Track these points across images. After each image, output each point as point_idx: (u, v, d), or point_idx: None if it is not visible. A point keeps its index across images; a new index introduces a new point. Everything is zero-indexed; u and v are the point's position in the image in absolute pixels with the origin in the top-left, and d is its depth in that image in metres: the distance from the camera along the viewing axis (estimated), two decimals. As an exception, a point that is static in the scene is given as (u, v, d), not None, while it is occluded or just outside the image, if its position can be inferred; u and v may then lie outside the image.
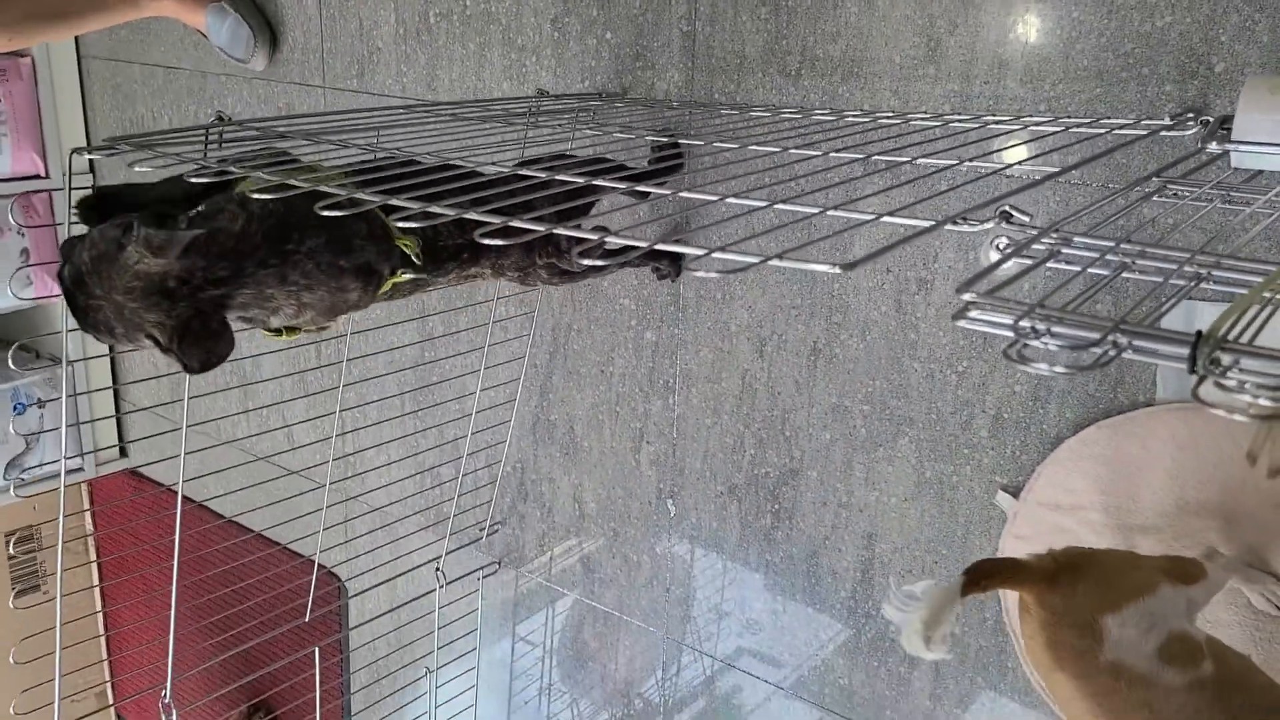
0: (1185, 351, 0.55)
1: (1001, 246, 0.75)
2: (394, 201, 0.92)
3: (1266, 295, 0.62)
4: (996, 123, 1.44)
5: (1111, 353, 0.58)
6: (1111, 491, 1.56)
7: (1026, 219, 0.75)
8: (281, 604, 2.70)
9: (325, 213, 0.89)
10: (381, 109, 1.49)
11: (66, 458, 1.73)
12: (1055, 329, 0.59)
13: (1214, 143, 0.87)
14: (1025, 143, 1.54)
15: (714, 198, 0.87)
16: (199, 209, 1.24)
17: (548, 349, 2.25)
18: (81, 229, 1.22)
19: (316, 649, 2.11)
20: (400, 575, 2.44)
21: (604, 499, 2.25)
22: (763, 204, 0.84)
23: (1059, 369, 0.57)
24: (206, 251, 1.17)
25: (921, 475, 1.78)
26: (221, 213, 1.22)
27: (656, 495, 2.16)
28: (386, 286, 1.41)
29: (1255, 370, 0.54)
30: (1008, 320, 0.59)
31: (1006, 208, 0.77)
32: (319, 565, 2.22)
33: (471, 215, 0.84)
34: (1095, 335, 0.58)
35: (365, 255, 1.33)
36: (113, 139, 1.22)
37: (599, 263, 0.88)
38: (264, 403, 2.77)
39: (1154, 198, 0.94)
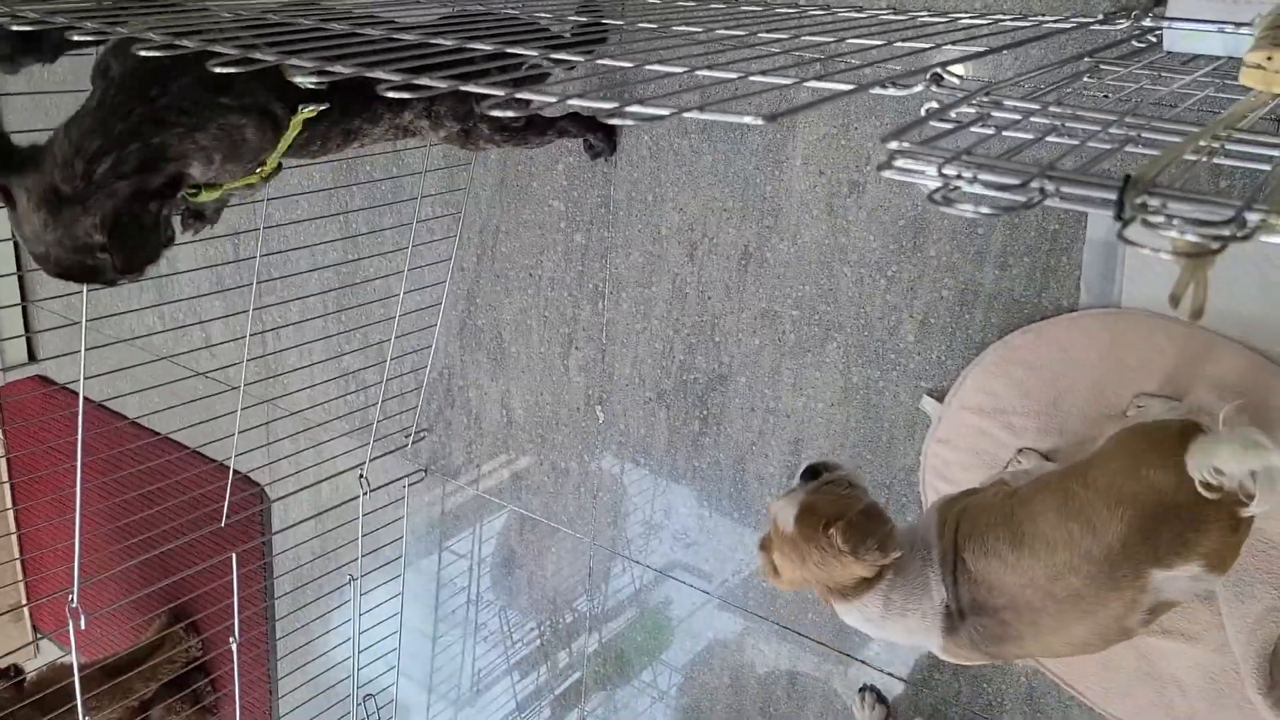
0: (1113, 196, 0.53)
1: (931, 110, 0.72)
2: (292, 62, 0.86)
3: (1203, 144, 0.60)
4: (928, 19, 1.41)
5: (1038, 197, 0.55)
6: (1034, 395, 1.57)
7: (958, 80, 0.72)
8: (197, 508, 2.64)
9: (219, 69, 0.84)
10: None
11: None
12: (982, 175, 0.57)
13: (1148, 18, 0.85)
14: (958, 42, 1.51)
15: (629, 63, 0.83)
16: None
17: (475, 251, 2.20)
18: None
19: (234, 555, 2.07)
20: (323, 481, 2.40)
21: (532, 406, 2.22)
22: (682, 70, 0.81)
23: (984, 209, 0.55)
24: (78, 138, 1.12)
25: (849, 381, 1.77)
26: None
27: (585, 402, 2.14)
28: (296, 124, 1.34)
29: (1180, 211, 0.52)
30: (933, 168, 0.57)
31: (938, 70, 0.74)
32: (234, 471, 2.17)
33: (377, 74, 0.79)
34: (1020, 181, 0.55)
35: (252, 94, 1.26)
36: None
37: (512, 113, 0.82)
38: (176, 298, 2.68)
39: (1086, 78, 0.92)
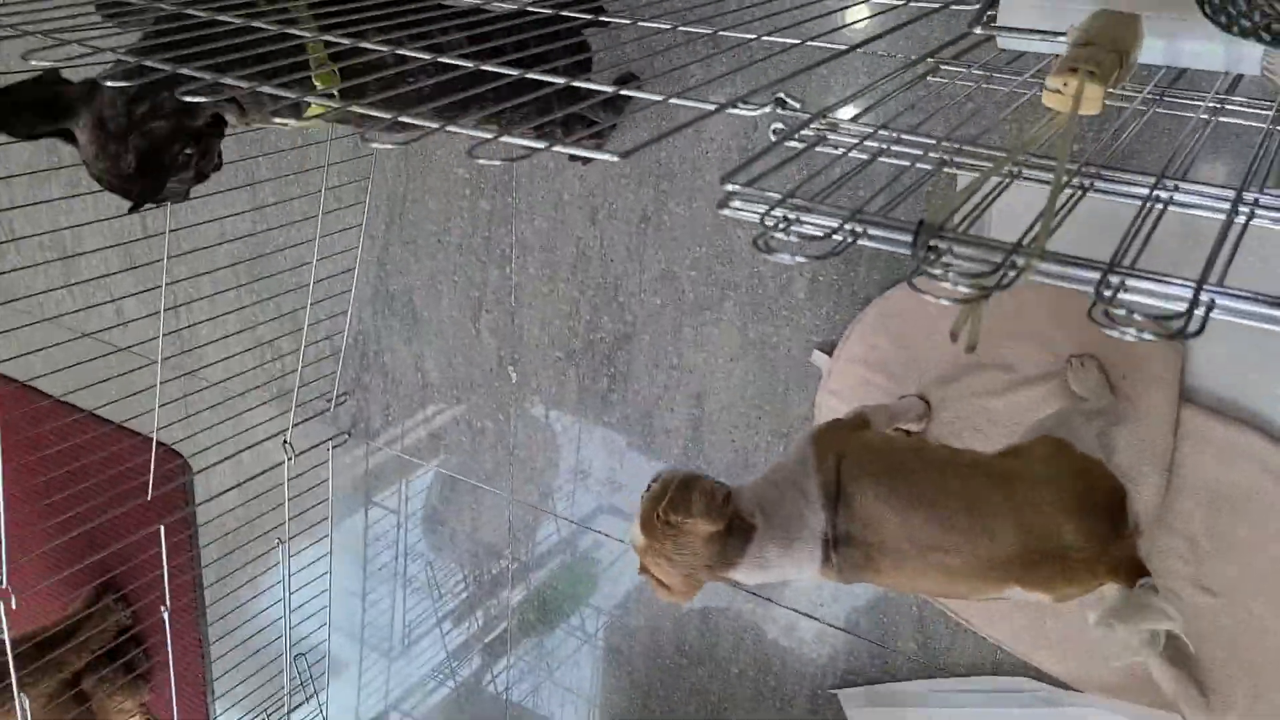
0: (909, 239, 0.62)
1: (777, 131, 0.79)
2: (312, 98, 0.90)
3: (996, 179, 0.69)
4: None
5: (849, 240, 0.64)
6: (910, 346, 1.68)
7: (798, 105, 0.80)
8: (122, 483, 2.66)
9: (187, 98, 0.88)
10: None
11: None
12: (803, 217, 0.65)
13: (979, 27, 0.94)
14: (822, 15, 1.58)
15: (469, 65, 0.88)
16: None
17: (384, 219, 2.23)
18: None
19: (161, 527, 2.12)
20: (246, 450, 2.44)
21: (446, 368, 2.29)
22: (556, 83, 0.86)
23: (799, 258, 0.63)
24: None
25: (745, 336, 1.87)
26: None
27: (498, 362, 2.20)
28: (314, 112, 1.40)
29: (965, 255, 0.61)
30: (761, 211, 0.65)
31: (780, 94, 0.81)
32: (158, 443, 2.21)
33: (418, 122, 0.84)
34: (834, 224, 0.63)
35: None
36: None
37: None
38: (86, 276, 2.67)
39: (928, 78, 1.00)
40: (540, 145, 0.75)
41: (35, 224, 2.79)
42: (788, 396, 1.86)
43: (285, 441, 2.33)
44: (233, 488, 2.54)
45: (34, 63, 1.05)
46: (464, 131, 0.80)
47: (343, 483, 2.60)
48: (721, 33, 1.13)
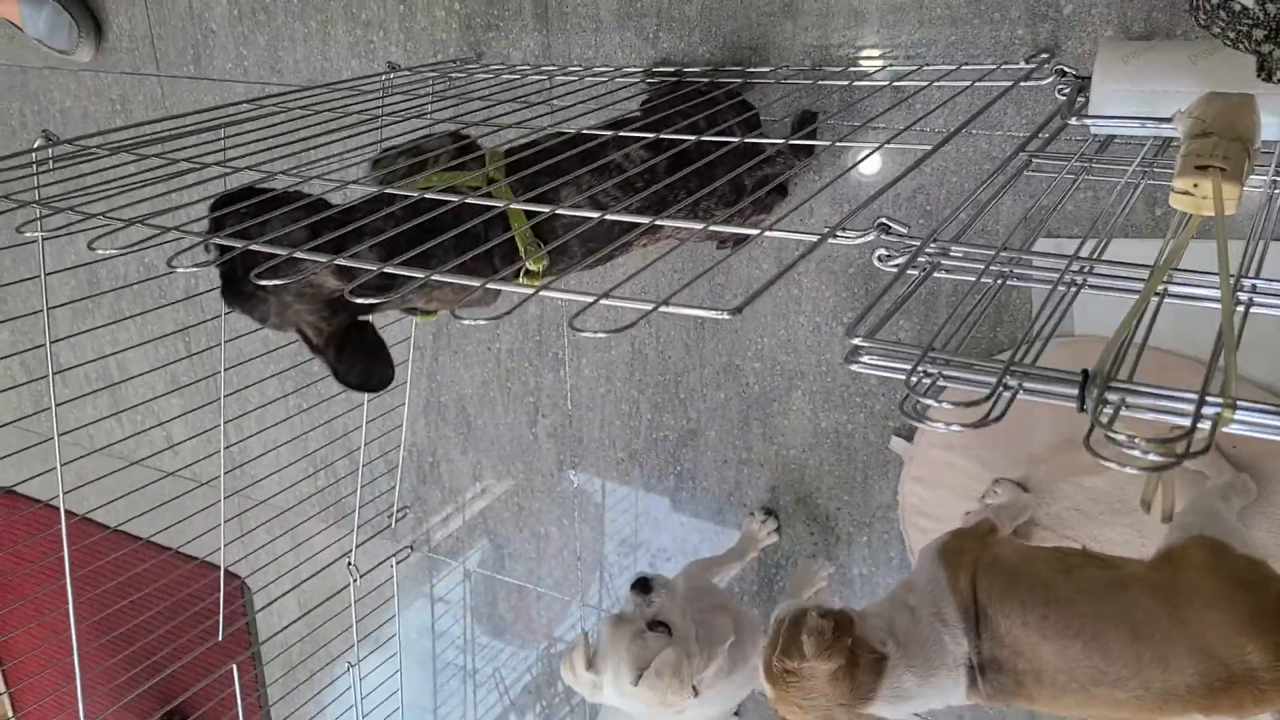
0: (1074, 391, 0.56)
1: (881, 257, 0.74)
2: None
3: (1146, 307, 0.63)
4: (862, 73, 1.44)
5: (1007, 396, 0.58)
6: (999, 427, 1.61)
7: (904, 230, 0.75)
8: (185, 609, 2.63)
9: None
10: (224, 106, 1.40)
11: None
12: (946, 372, 0.59)
13: (1074, 118, 0.88)
14: (895, 105, 1.54)
15: (588, 213, 0.84)
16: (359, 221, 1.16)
17: (431, 329, 2.20)
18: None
19: (234, 666, 2.06)
20: (311, 578, 2.39)
21: (505, 475, 2.23)
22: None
23: (955, 428, 0.58)
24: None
25: (818, 426, 1.80)
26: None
27: (557, 467, 2.15)
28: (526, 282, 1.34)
29: (1139, 404, 0.55)
30: (902, 369, 0.59)
31: (883, 220, 0.76)
32: (213, 564, 2.16)
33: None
34: (990, 380, 0.58)
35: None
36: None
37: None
38: (133, 402, 2.66)
39: (1025, 173, 0.95)
40: (697, 226, 0.70)
41: (79, 354, 2.79)
42: (868, 485, 1.79)
43: (349, 564, 2.28)
44: (299, 618, 2.49)
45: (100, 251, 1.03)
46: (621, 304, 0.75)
47: (407, 596, 2.53)
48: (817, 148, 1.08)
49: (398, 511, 2.40)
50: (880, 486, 1.78)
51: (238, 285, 1.16)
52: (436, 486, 2.35)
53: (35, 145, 1.32)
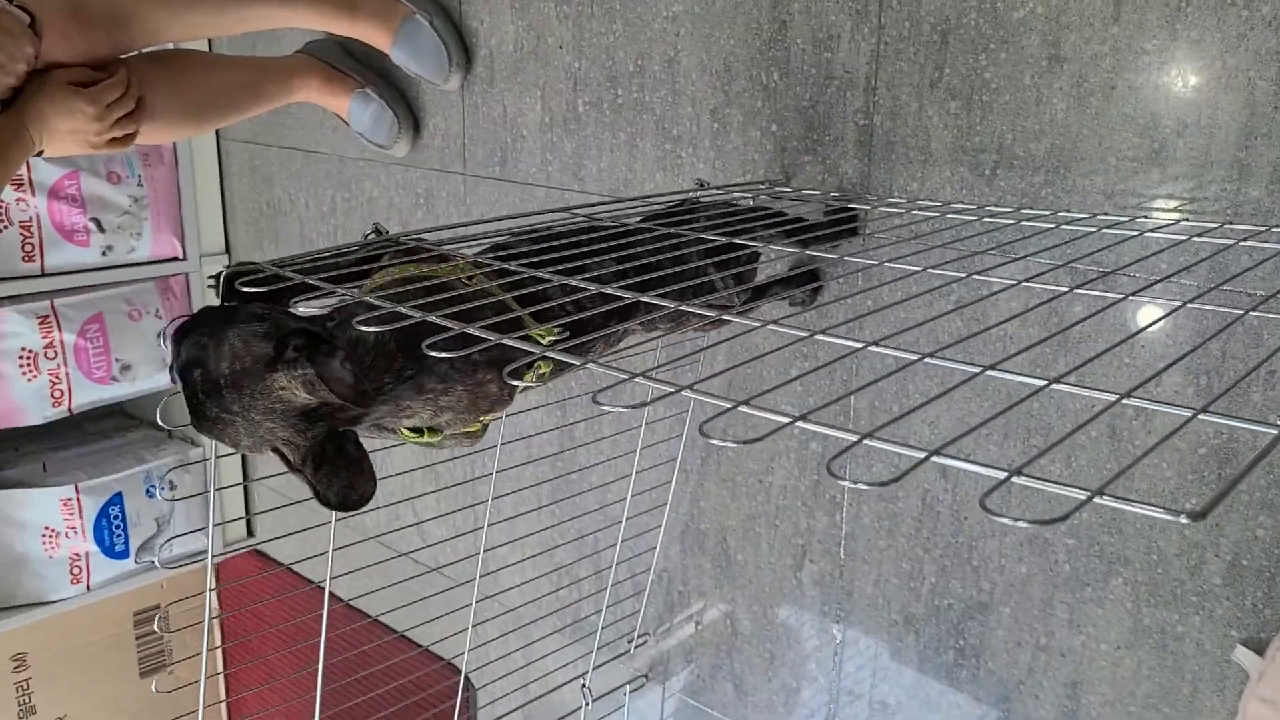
0: None
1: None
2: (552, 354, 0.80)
3: None
4: (1247, 234, 1.26)
5: None
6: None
7: None
8: (408, 695, 2.60)
9: (435, 354, 0.80)
10: (532, 214, 1.37)
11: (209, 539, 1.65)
12: None
13: None
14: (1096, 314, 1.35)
15: (858, 344, 0.75)
16: (334, 321, 1.13)
17: (700, 454, 2.11)
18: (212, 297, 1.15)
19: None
20: (544, 695, 2.30)
21: (760, 617, 2.09)
22: (913, 356, 0.73)
23: None
24: (352, 374, 1.06)
25: (1139, 622, 1.57)
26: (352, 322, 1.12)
27: (820, 618, 1.99)
28: (530, 378, 1.26)
29: None
30: None
31: None
32: (448, 664, 2.11)
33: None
34: None
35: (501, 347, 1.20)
36: (256, 264, 1.13)
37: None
38: (395, 498, 2.69)
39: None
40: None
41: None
42: (1195, 699, 1.54)
43: (584, 686, 2.18)
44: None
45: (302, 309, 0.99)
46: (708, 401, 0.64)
47: (633, 727, 2.41)
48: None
49: (638, 637, 2.29)
50: (1212, 703, 1.53)
51: (202, 410, 1.07)
52: (683, 617, 2.23)
53: (367, 236, 1.34)
